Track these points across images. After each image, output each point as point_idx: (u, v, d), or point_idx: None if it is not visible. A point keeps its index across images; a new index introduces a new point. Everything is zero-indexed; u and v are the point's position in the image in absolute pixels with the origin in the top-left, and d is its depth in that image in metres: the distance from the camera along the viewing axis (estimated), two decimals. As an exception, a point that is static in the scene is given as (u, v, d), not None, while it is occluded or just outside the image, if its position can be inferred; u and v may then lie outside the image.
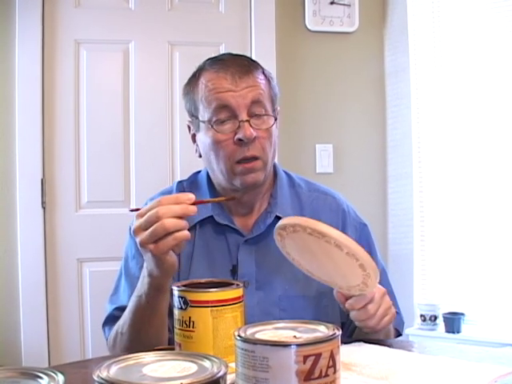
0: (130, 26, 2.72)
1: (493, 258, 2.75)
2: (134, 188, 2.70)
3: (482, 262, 2.77)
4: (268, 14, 2.81)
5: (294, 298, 1.31)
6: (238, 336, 0.72)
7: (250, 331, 0.74)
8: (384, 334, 1.21)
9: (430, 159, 2.89)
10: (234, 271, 1.31)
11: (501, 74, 2.73)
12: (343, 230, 1.36)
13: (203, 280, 1.08)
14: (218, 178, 1.33)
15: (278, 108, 1.38)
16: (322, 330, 0.75)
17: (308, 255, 1.06)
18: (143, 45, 2.73)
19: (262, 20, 2.81)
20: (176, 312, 1.00)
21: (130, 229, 1.37)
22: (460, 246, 2.83)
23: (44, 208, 2.63)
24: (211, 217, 1.31)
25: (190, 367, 0.65)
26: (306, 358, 0.68)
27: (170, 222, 1.04)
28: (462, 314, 2.76)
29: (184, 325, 0.98)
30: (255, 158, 1.27)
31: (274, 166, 1.42)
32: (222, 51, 2.77)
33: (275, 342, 0.70)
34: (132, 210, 1.23)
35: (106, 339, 1.31)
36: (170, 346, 1.11)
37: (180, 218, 1.06)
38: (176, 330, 1.00)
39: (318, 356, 0.69)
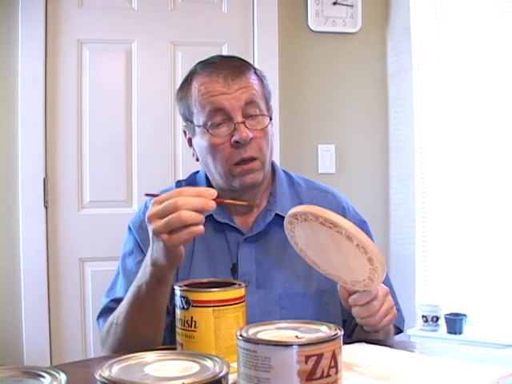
0: (133, 26, 2.72)
1: (495, 258, 2.74)
2: (136, 188, 2.70)
3: (484, 262, 2.77)
4: (271, 14, 2.81)
5: (294, 295, 1.31)
6: (240, 336, 0.72)
7: (251, 331, 0.74)
8: (384, 333, 1.21)
9: (433, 160, 2.88)
10: (234, 270, 1.31)
11: (504, 74, 2.72)
12: None
13: (205, 280, 1.08)
14: (217, 179, 1.33)
15: (272, 108, 1.37)
16: (324, 331, 0.75)
17: (316, 246, 1.06)
18: (146, 45, 2.73)
19: (264, 20, 2.81)
20: (178, 312, 1.00)
21: (129, 226, 1.38)
22: (462, 246, 2.83)
23: (46, 207, 2.63)
24: (211, 215, 1.30)
25: (191, 367, 0.65)
26: (307, 358, 0.68)
27: (187, 215, 1.02)
28: (464, 315, 2.76)
29: (186, 324, 0.98)
30: (253, 159, 1.27)
31: (273, 165, 1.42)
32: (225, 51, 2.77)
33: (277, 341, 0.70)
34: (147, 195, 1.23)
35: (100, 331, 1.29)
36: (171, 345, 1.11)
37: (198, 211, 1.03)
38: (178, 330, 1.00)
39: (320, 356, 0.69)
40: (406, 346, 1.13)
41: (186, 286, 1.02)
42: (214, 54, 2.84)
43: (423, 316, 2.81)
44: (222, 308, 0.97)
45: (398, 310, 1.38)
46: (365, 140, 2.94)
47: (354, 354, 1.03)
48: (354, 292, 1.09)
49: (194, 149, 1.36)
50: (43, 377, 0.61)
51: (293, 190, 1.41)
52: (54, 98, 2.64)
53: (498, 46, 2.73)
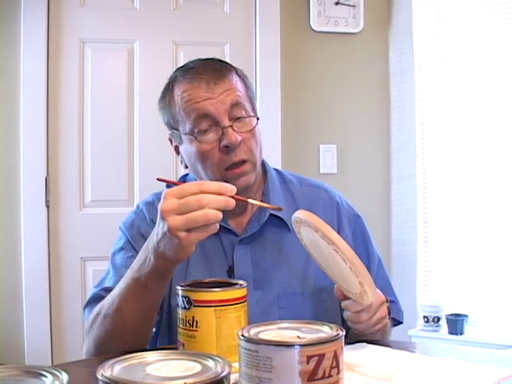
0: (135, 26, 2.72)
1: (496, 259, 2.74)
2: (138, 187, 2.70)
3: (485, 263, 2.77)
4: (273, 14, 2.81)
5: (292, 295, 1.30)
6: (242, 336, 0.72)
7: (253, 331, 0.74)
8: (380, 333, 1.20)
9: (434, 160, 2.88)
10: (230, 272, 1.28)
11: (506, 75, 2.72)
12: (338, 223, 1.37)
13: (207, 280, 1.08)
14: None
15: (256, 105, 1.36)
16: (326, 331, 0.75)
17: (317, 250, 1.08)
18: (148, 44, 2.73)
19: (266, 20, 2.81)
20: (179, 311, 1.00)
21: (120, 227, 1.36)
22: (463, 247, 2.82)
23: (48, 207, 2.63)
24: None
25: (193, 367, 0.65)
26: (309, 358, 0.68)
27: (212, 214, 0.97)
28: (466, 316, 2.76)
29: (187, 324, 0.98)
30: (244, 161, 1.26)
31: (263, 163, 1.40)
32: (227, 51, 2.77)
33: (279, 342, 0.70)
34: (159, 180, 1.19)
35: (85, 320, 1.24)
36: (173, 345, 1.11)
37: (219, 210, 0.99)
38: (179, 330, 1.00)
39: (322, 356, 0.69)
40: (407, 347, 1.13)
41: (187, 285, 1.02)
42: (216, 53, 2.84)
43: (424, 316, 2.81)
44: (223, 308, 0.97)
45: (395, 301, 1.38)
46: (366, 140, 2.94)
47: (355, 355, 1.03)
48: (348, 297, 1.10)
49: (181, 156, 1.34)
50: (45, 376, 0.61)
51: (285, 188, 1.40)
52: (55, 98, 2.65)
53: (500, 47, 2.73)
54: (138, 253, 1.23)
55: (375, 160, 2.94)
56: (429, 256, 2.90)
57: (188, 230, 0.98)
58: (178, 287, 1.00)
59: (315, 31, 2.86)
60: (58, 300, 2.63)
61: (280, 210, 1.16)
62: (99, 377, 0.62)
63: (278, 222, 1.32)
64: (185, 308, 0.98)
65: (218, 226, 1.01)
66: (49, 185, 2.63)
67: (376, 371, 0.95)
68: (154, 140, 2.69)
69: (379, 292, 1.15)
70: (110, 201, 2.68)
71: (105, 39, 2.71)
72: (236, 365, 0.72)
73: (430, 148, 2.89)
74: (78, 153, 2.67)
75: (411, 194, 2.89)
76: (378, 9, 2.93)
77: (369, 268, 1.38)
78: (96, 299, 1.24)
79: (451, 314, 2.77)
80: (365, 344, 1.11)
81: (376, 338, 1.15)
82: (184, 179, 1.42)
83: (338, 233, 1.35)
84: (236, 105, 1.25)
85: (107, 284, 1.27)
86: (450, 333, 2.73)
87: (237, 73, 1.32)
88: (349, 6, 2.87)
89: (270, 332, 0.75)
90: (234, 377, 0.70)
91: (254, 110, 1.32)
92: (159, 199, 1.34)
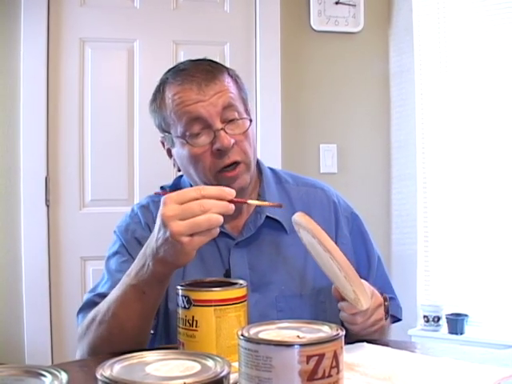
0: (135, 25, 2.72)
1: (496, 259, 2.74)
2: (138, 186, 2.70)
3: (485, 263, 2.77)
4: (273, 13, 2.81)
5: (290, 297, 1.29)
6: (242, 335, 0.72)
7: (253, 331, 0.74)
8: (378, 332, 1.20)
9: (434, 160, 2.88)
10: (227, 276, 1.27)
11: (506, 74, 2.72)
12: (336, 223, 1.37)
13: (207, 279, 1.08)
14: None
15: (250, 105, 1.34)
16: (326, 331, 0.74)
17: (315, 252, 1.08)
18: (148, 44, 2.73)
19: (266, 19, 2.81)
20: (179, 311, 1.00)
21: (115, 231, 1.35)
22: (464, 247, 2.82)
23: (48, 206, 2.63)
24: None
25: (193, 366, 0.65)
26: (309, 358, 0.68)
27: (215, 218, 0.98)
28: (466, 315, 2.76)
29: (187, 324, 0.98)
30: (237, 163, 1.24)
31: (258, 164, 1.39)
32: (227, 50, 2.77)
33: (279, 341, 0.70)
34: (157, 194, 1.20)
35: (78, 326, 1.23)
36: (173, 344, 1.11)
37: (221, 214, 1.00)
38: (179, 329, 1.00)
39: (322, 356, 0.69)
40: (408, 346, 1.13)
41: (187, 285, 1.01)
42: (216, 53, 2.83)
43: (424, 316, 2.81)
44: (223, 307, 0.97)
45: (394, 298, 1.38)
46: (367, 140, 2.94)
47: (355, 354, 1.03)
48: (345, 298, 1.10)
49: (174, 159, 1.33)
50: (44, 376, 0.61)
51: (281, 188, 1.39)
52: (56, 97, 2.65)
53: (500, 46, 2.73)
54: (132, 257, 1.22)
55: (375, 159, 2.94)
56: (429, 255, 2.90)
57: (191, 235, 0.98)
58: (178, 287, 1.00)
59: (315, 31, 2.86)
60: (58, 299, 2.63)
61: (280, 206, 1.15)
62: (98, 376, 0.62)
63: (275, 224, 1.31)
64: (184, 307, 0.98)
65: (218, 229, 1.01)
66: (49, 184, 2.63)
67: (376, 371, 0.95)
68: (153, 139, 2.66)
69: (377, 294, 1.14)
70: (110, 200, 2.68)
71: (105, 38, 2.71)
72: (236, 364, 0.72)
73: (430, 147, 2.89)
74: (78, 152, 2.67)
75: (411, 194, 2.89)
76: (379, 8, 2.93)
77: (369, 266, 1.38)
78: (89, 305, 1.24)
79: (451, 314, 2.77)
80: (365, 344, 1.11)
81: (374, 338, 1.15)
82: (178, 181, 1.41)
83: (336, 233, 1.36)
84: (228, 107, 1.23)
85: (101, 290, 1.26)
86: (451, 332, 2.73)
87: (229, 73, 1.29)
88: (349, 5, 2.86)
89: (270, 332, 0.75)
90: (233, 376, 0.69)
91: (246, 110, 1.30)
92: (154, 202, 1.35)
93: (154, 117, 1.33)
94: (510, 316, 2.69)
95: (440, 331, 2.78)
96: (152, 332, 1.29)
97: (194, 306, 0.97)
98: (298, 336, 0.73)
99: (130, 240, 1.30)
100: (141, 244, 1.24)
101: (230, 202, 1.01)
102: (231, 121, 1.24)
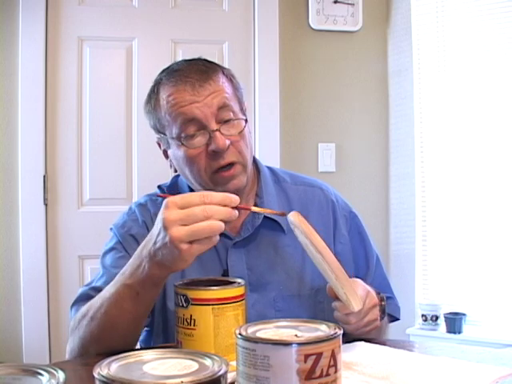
0: (134, 24, 2.72)
1: (495, 258, 2.74)
2: (136, 185, 2.70)
3: (483, 262, 2.77)
4: (271, 12, 2.81)
5: (289, 297, 1.29)
6: (239, 334, 0.72)
7: (251, 330, 0.74)
8: (376, 331, 1.20)
9: (433, 159, 2.88)
10: (224, 276, 1.26)
11: (504, 73, 2.72)
12: (334, 222, 1.37)
13: (205, 278, 1.08)
14: (198, 188, 1.28)
15: (246, 103, 1.33)
16: (324, 329, 0.74)
17: (309, 251, 1.08)
18: (146, 42, 2.73)
19: (265, 18, 2.80)
20: (177, 310, 1.00)
21: (111, 228, 1.35)
22: (462, 246, 2.83)
23: (46, 205, 2.63)
24: None
25: (190, 365, 0.65)
26: (307, 357, 0.68)
27: (217, 225, 0.96)
28: (464, 315, 2.76)
29: (185, 323, 0.98)
30: (233, 164, 1.23)
31: (256, 163, 1.39)
32: (226, 49, 2.77)
33: (276, 340, 0.70)
34: (159, 196, 1.18)
35: (71, 319, 1.21)
36: (171, 343, 1.11)
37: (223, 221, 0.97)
38: (177, 328, 1.00)
39: (319, 355, 0.69)
40: (406, 345, 1.13)
41: (185, 284, 1.01)
42: (215, 52, 2.82)
43: (423, 315, 2.81)
44: (221, 306, 0.97)
45: (392, 297, 1.38)
46: (365, 139, 2.94)
47: (353, 353, 1.03)
48: (338, 298, 1.09)
49: (170, 160, 1.32)
50: (41, 374, 0.61)
51: (279, 188, 1.38)
52: (54, 96, 2.64)
53: (498, 45, 2.73)
54: (128, 254, 1.22)
55: (374, 158, 2.94)
56: (427, 255, 2.90)
57: (190, 242, 0.96)
58: (176, 285, 1.00)
59: (314, 29, 2.86)
60: (56, 298, 2.63)
61: (283, 215, 1.13)
62: (96, 375, 0.62)
63: (273, 225, 1.31)
64: (182, 306, 0.98)
65: (218, 237, 0.99)
66: (47, 183, 2.63)
67: (374, 370, 0.95)
68: (151, 138, 2.67)
69: (372, 294, 1.13)
70: (108, 199, 2.68)
71: (103, 37, 2.70)
72: (234, 363, 0.72)
73: (428, 147, 2.89)
74: (76, 151, 2.67)
75: (410, 193, 2.89)
76: (377, 7, 2.93)
77: (367, 265, 1.38)
78: (84, 298, 1.22)
79: (449, 313, 2.77)
80: (363, 343, 1.11)
81: (370, 337, 1.15)
82: (176, 180, 1.40)
83: (334, 232, 1.36)
84: (223, 107, 1.22)
85: (96, 284, 1.25)
86: (449, 331, 2.73)
87: (223, 73, 1.28)
88: (347, 4, 2.86)
89: (268, 331, 0.75)
90: (231, 375, 0.69)
91: (242, 110, 1.29)
92: (152, 200, 1.35)
93: (149, 118, 1.32)
94: (508, 315, 2.69)
95: (438, 330, 2.78)
96: (148, 329, 1.29)
97: (191, 304, 0.97)
98: (296, 335, 0.73)
99: (127, 237, 1.30)
100: (137, 241, 1.24)
101: (235, 208, 1.00)
102: (227, 121, 1.23)
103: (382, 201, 2.94)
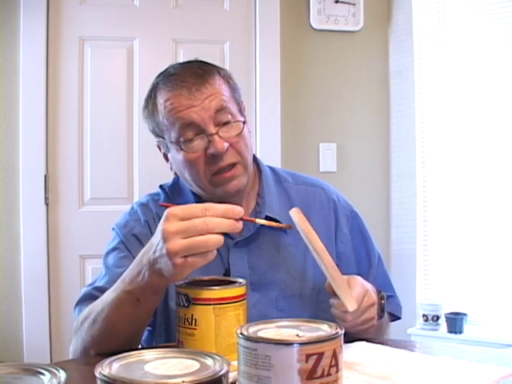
0: (135, 23, 2.72)
1: (496, 258, 2.74)
2: (137, 185, 2.70)
3: (485, 262, 2.77)
4: (273, 12, 2.80)
5: (290, 297, 1.29)
6: (241, 334, 0.72)
7: (252, 329, 0.74)
8: (375, 330, 1.19)
9: (434, 159, 2.88)
10: (226, 275, 1.25)
11: (506, 73, 2.72)
12: (336, 222, 1.37)
13: (206, 278, 1.08)
14: (198, 191, 1.29)
15: (244, 103, 1.32)
16: (325, 329, 0.74)
17: (310, 248, 1.07)
18: (147, 42, 2.73)
19: (266, 18, 2.80)
20: (178, 310, 1.00)
21: (114, 228, 1.35)
22: (463, 246, 2.82)
23: (47, 204, 2.63)
24: None
25: (192, 365, 0.65)
26: (308, 356, 0.68)
27: (214, 240, 0.95)
28: (465, 315, 2.76)
29: (186, 322, 0.98)
30: (233, 165, 1.23)
31: (258, 162, 1.38)
32: (227, 49, 2.77)
33: (278, 340, 0.70)
34: (162, 205, 1.17)
35: (75, 319, 1.22)
36: (172, 343, 1.11)
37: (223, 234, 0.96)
38: (178, 328, 1.00)
39: (321, 355, 0.69)
40: (407, 345, 1.13)
41: (186, 283, 1.01)
42: (216, 51, 2.82)
43: (424, 315, 2.81)
44: (222, 306, 0.97)
45: (394, 296, 1.37)
46: (366, 138, 2.94)
47: (354, 353, 1.03)
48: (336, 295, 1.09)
49: (170, 163, 1.32)
50: (42, 374, 0.61)
51: (280, 187, 1.38)
52: (55, 95, 2.64)
53: (500, 45, 2.73)
54: (131, 253, 1.22)
55: (375, 158, 2.94)
56: (428, 255, 2.90)
57: (185, 256, 0.95)
58: (178, 285, 1.00)
59: (315, 29, 2.86)
60: (57, 298, 2.63)
61: (290, 228, 1.12)
62: (97, 375, 0.62)
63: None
64: (184, 306, 0.98)
65: (215, 253, 0.98)
66: (48, 182, 2.63)
67: (375, 370, 0.95)
68: (152, 138, 2.68)
69: (371, 293, 1.13)
70: (110, 199, 2.68)
71: (104, 37, 2.70)
72: (235, 363, 0.72)
73: (429, 146, 2.89)
74: (77, 150, 2.67)
75: (411, 193, 2.89)
76: (378, 7, 2.93)
77: (369, 264, 1.38)
78: (87, 298, 1.23)
79: (450, 313, 2.77)
80: (364, 342, 1.11)
81: (368, 336, 1.15)
82: (177, 180, 1.39)
83: (336, 232, 1.36)
84: (221, 110, 1.22)
85: (99, 283, 1.25)
86: (450, 331, 2.73)
87: (220, 75, 1.27)
88: (349, 4, 2.86)
89: (269, 330, 0.75)
90: (232, 375, 0.69)
91: (240, 110, 1.29)
92: (154, 200, 1.35)
93: (147, 123, 1.32)
94: (509, 315, 2.69)
95: (439, 330, 2.78)
96: (149, 328, 1.29)
97: (193, 304, 0.97)
98: (298, 335, 0.73)
99: (129, 237, 1.30)
100: (139, 241, 1.25)
101: (240, 220, 0.98)
102: (225, 123, 1.23)
103: (383, 201, 2.94)
